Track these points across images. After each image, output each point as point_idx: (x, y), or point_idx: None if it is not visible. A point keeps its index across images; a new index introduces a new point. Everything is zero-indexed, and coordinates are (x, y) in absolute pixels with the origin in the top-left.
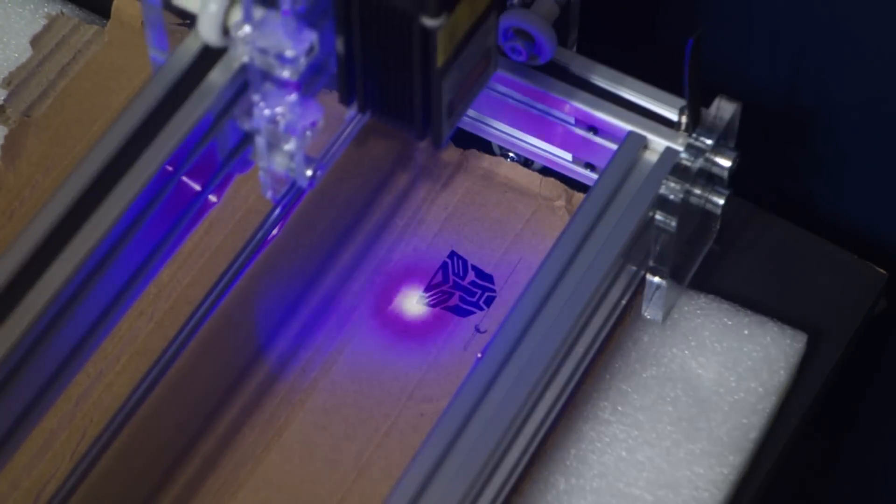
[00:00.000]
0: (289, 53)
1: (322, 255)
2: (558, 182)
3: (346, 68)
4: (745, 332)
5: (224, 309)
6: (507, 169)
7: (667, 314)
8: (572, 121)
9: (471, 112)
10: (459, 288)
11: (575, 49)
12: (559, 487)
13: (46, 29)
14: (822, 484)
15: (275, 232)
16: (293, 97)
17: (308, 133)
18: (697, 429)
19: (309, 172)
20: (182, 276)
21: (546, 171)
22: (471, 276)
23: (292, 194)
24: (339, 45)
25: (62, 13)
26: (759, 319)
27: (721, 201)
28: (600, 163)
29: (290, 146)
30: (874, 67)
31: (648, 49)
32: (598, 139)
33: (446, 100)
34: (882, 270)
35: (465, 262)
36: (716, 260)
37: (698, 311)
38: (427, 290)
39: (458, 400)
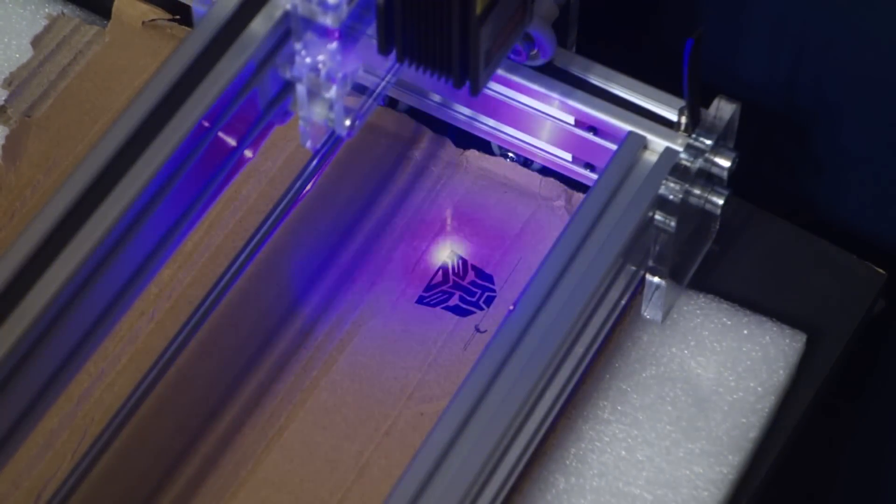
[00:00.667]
0: (331, 0)
1: (322, 255)
2: (558, 182)
3: (385, 17)
4: (745, 331)
5: (225, 309)
6: (507, 169)
7: (666, 314)
8: (572, 121)
9: (471, 112)
10: (459, 288)
11: (574, 49)
12: (559, 486)
13: (47, 29)
14: (821, 483)
15: (275, 232)
16: (334, 45)
17: (348, 81)
18: (697, 428)
19: (348, 122)
20: (183, 275)
21: (546, 172)
22: (471, 276)
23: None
24: None
25: (63, 14)
26: (758, 319)
27: (720, 201)
28: (600, 163)
29: (330, 94)
30: (873, 68)
31: (648, 49)
32: (597, 139)
33: (484, 48)
34: (881, 270)
35: (465, 262)
36: (715, 260)
37: (698, 311)
38: (427, 290)
39: (458, 399)
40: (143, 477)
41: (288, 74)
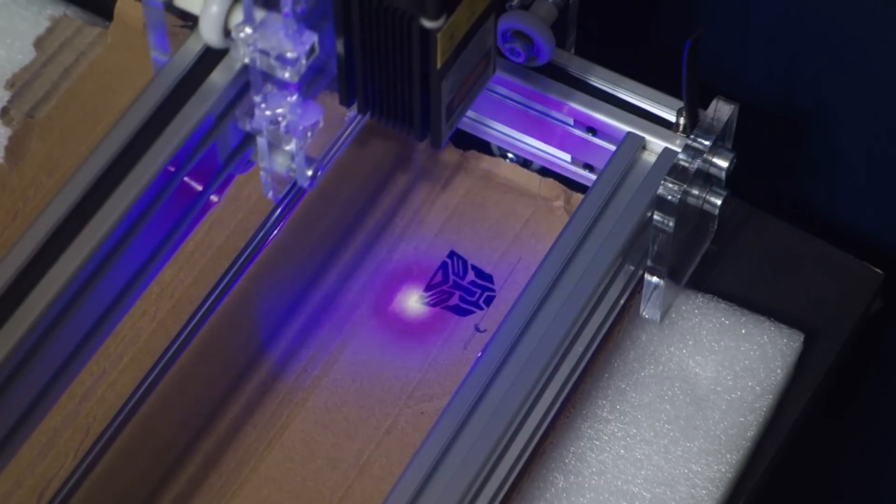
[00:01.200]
0: (290, 55)
1: (323, 255)
2: (557, 183)
3: (346, 69)
4: (743, 331)
5: (226, 308)
6: (507, 170)
7: (665, 313)
8: (571, 122)
9: (470, 113)
10: (459, 288)
11: (573, 51)
12: (558, 485)
13: (50, 31)
14: (819, 482)
15: (276, 232)
16: (294, 98)
17: (309, 134)
18: (695, 427)
19: (310, 172)
20: (184, 275)
21: (545, 172)
22: (470, 275)
23: (293, 195)
24: (340, 46)
25: (66, 15)
26: (756, 319)
27: (718, 202)
28: (599, 163)
29: (291, 147)
30: (869, 69)
31: (647, 51)
32: (596, 140)
33: (445, 101)
34: (878, 270)
35: (464, 262)
36: (713, 260)
37: (696, 311)
38: (427, 289)
39: (458, 399)
40: (145, 475)
41: (248, 127)
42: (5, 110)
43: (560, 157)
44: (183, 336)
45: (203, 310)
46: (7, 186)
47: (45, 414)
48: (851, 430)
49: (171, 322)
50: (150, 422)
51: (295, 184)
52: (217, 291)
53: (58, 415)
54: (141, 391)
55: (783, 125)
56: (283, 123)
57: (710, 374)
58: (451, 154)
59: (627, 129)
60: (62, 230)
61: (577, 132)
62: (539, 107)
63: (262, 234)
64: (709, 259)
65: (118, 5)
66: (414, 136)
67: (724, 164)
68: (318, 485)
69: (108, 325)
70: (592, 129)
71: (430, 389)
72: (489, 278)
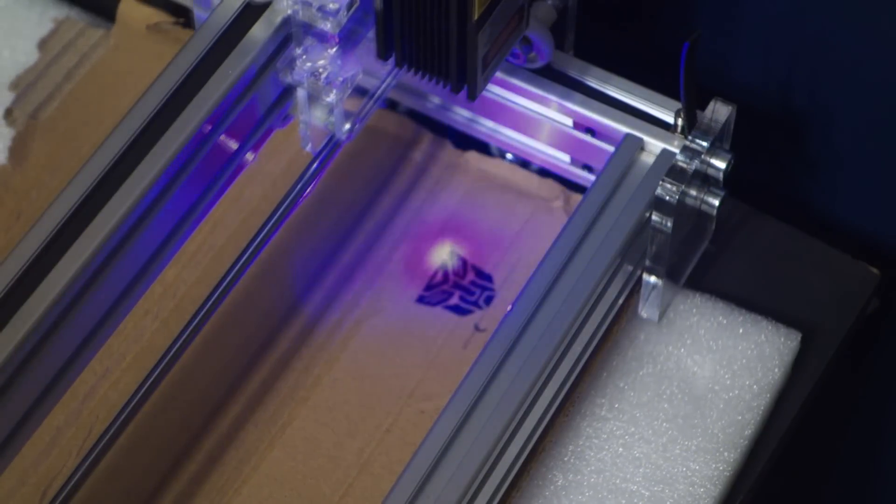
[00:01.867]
0: (331, 6)
1: (323, 256)
2: (556, 183)
3: (383, 23)
4: (740, 330)
5: (227, 307)
6: (506, 170)
7: (663, 313)
8: (570, 123)
9: (470, 114)
10: (459, 287)
11: (572, 52)
12: (557, 483)
13: (53, 33)
14: (816, 480)
15: (277, 232)
16: (334, 50)
17: (348, 86)
18: (693, 425)
19: (347, 126)
20: (187, 275)
21: (544, 173)
22: (470, 275)
23: (325, 154)
24: (378, 0)
25: (69, 17)
26: (753, 318)
27: (716, 202)
28: (597, 164)
29: (330, 98)
30: (866, 70)
31: (645, 52)
32: (595, 141)
33: (481, 53)
34: (875, 270)
35: (464, 261)
36: (711, 260)
37: (694, 310)
38: (427, 289)
39: (458, 397)
40: (148, 473)
41: (288, 79)
42: (9, 111)
43: (559, 158)
44: (185, 335)
45: (205, 309)
46: (10, 187)
47: (47, 412)
48: (848, 428)
49: (173, 321)
50: (153, 420)
51: (332, 137)
52: (219, 291)
53: (61, 413)
54: (143, 390)
55: (780, 126)
56: (324, 75)
57: (707, 374)
58: (451, 154)
59: (626, 130)
60: (64, 231)
61: (576, 133)
62: (538, 108)
63: (263, 234)
64: (707, 259)
65: (121, 7)
66: (451, 88)
67: (721, 164)
68: (319, 483)
69: (109, 325)
70: (591, 131)
71: (430, 389)
72: (489, 278)
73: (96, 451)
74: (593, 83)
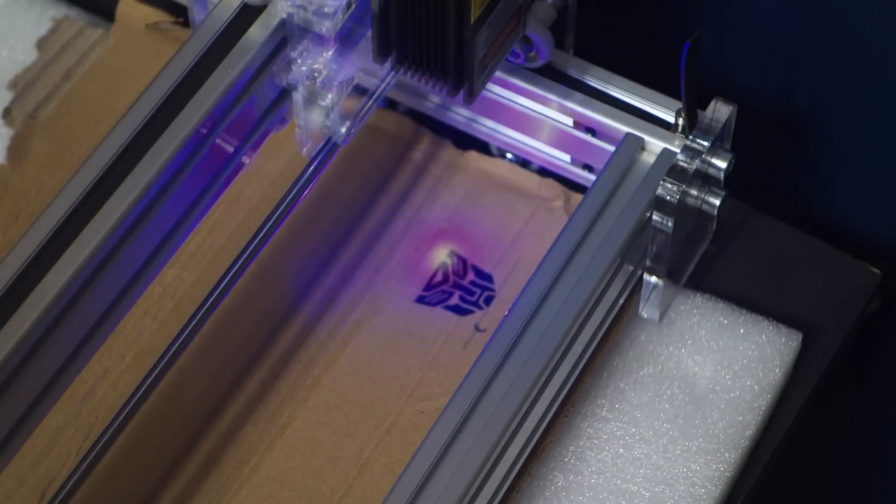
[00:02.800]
0: (327, 8)
1: (323, 255)
2: (557, 183)
3: (380, 24)
4: (741, 330)
5: (227, 308)
6: (507, 170)
7: (663, 313)
8: (570, 123)
9: (470, 114)
10: (459, 287)
11: (572, 52)
12: (558, 484)
13: (52, 32)
14: (817, 480)
15: (277, 231)
16: (331, 53)
17: (345, 89)
18: (694, 426)
19: (344, 128)
20: (186, 275)
21: (545, 173)
22: (470, 275)
23: (323, 156)
24: (375, 1)
25: (68, 17)
26: (754, 318)
27: (717, 202)
28: (598, 164)
29: (326, 101)
30: (867, 69)
31: (645, 52)
32: (595, 141)
33: (479, 55)
34: (875, 270)
35: (464, 261)
36: (712, 260)
37: (694, 311)
38: (427, 289)
39: (458, 398)
40: (147, 474)
41: (284, 82)
42: (7, 111)
43: (559, 158)
44: (184, 335)
45: (204, 309)
46: (9, 187)
47: (46, 412)
48: (849, 429)
49: (172, 322)
50: (152, 421)
51: (329, 140)
52: (218, 291)
53: (60, 414)
54: (142, 390)
55: (781, 126)
56: (320, 78)
57: (708, 374)
58: (451, 154)
59: (626, 129)
60: (62, 231)
61: (577, 133)
62: (539, 108)
63: (262, 234)
64: (707, 259)
65: (120, 7)
66: (448, 90)
67: (722, 164)
68: (318, 483)
69: (108, 325)
70: (592, 130)
71: (430, 389)
72: (489, 278)
73: (95, 452)
74: (594, 82)
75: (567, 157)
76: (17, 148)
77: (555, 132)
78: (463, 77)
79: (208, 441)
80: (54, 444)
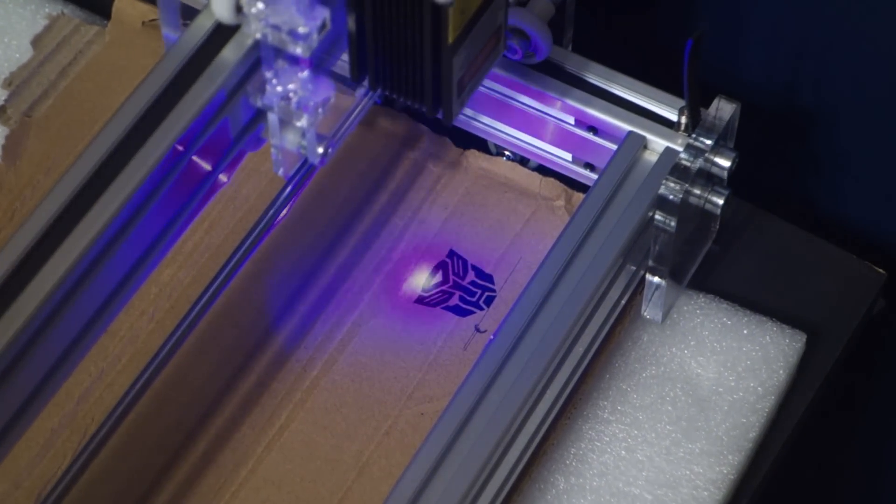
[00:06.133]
0: (302, 29)
1: (322, 255)
2: (558, 182)
3: (357, 45)
4: (745, 331)
5: (224, 308)
6: (507, 169)
7: (666, 314)
8: (572, 121)
9: (470, 112)
10: (459, 288)
11: (570, 48)
12: (559, 486)
13: (47, 29)
14: (821, 482)
15: (273, 230)
16: (305, 74)
17: (320, 110)
18: (697, 428)
19: (320, 150)
20: (183, 275)
21: (546, 171)
22: (471, 275)
23: (300, 177)
24: (351, 21)
25: (63, 14)
26: (758, 319)
27: (720, 201)
28: (600, 163)
29: (302, 123)
30: (872, 68)
31: (648, 49)
32: (597, 139)
33: (457, 77)
34: (881, 270)
35: (465, 261)
36: (715, 260)
37: (698, 311)
38: (426, 290)
39: (458, 399)
40: (143, 476)
41: (259, 103)
42: (2, 109)
43: (561, 157)
44: (178, 334)
45: (198, 308)
46: (4, 185)
47: (38, 412)
48: (854, 430)
49: (169, 322)
50: (148, 421)
51: (305, 161)
52: (212, 289)
53: (55, 416)
54: (135, 390)
55: (785, 124)
56: (295, 99)
57: (711, 375)
58: (450, 153)
59: (629, 128)
60: (70, 208)
61: (578, 131)
62: (540, 105)
63: (257, 232)
64: (710, 259)
65: (116, 3)
66: (425, 112)
67: (725, 163)
68: (317, 486)
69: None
70: (593, 128)
71: (429, 390)
72: (489, 278)
73: (87, 452)
74: (596, 80)
75: (568, 156)
76: (11, 146)
77: (556, 130)
78: (441, 98)
79: (205, 443)
80: (50, 446)
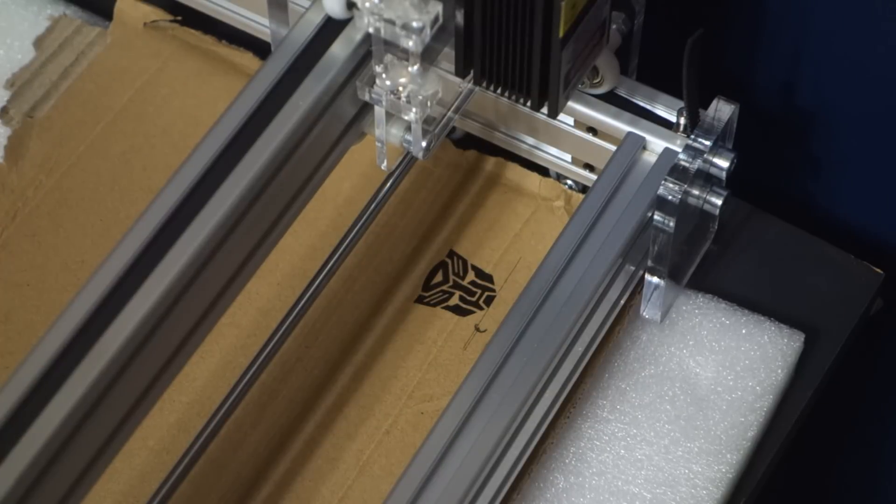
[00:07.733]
0: (415, 23)
1: (321, 255)
2: (557, 182)
3: (464, 39)
4: (743, 331)
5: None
6: (507, 169)
7: (665, 314)
8: (571, 122)
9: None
10: (459, 288)
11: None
12: (558, 485)
13: (50, 30)
14: (819, 481)
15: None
16: (416, 67)
17: (429, 103)
18: (695, 427)
19: (424, 143)
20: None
21: (545, 172)
22: (471, 275)
23: (400, 171)
24: (459, 16)
25: (65, 15)
26: (756, 319)
27: (719, 202)
28: (599, 163)
29: (409, 116)
30: (870, 68)
31: (647, 50)
32: (596, 140)
33: (564, 71)
34: (878, 270)
35: (465, 261)
36: (714, 260)
37: (696, 311)
38: (427, 289)
39: (458, 398)
40: (143, 476)
41: (367, 97)
42: (5, 110)
43: (560, 158)
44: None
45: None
46: (6, 186)
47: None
48: (852, 430)
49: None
50: (149, 422)
51: (407, 154)
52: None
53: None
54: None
55: (784, 125)
56: (404, 93)
57: (710, 375)
58: (451, 154)
59: (628, 129)
60: (185, 203)
61: (578, 132)
62: None
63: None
64: (709, 259)
65: (118, 5)
66: (531, 105)
67: (724, 164)
68: (317, 485)
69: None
70: (593, 129)
71: (430, 389)
72: (489, 278)
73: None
74: None
75: (568, 157)
76: (14, 147)
77: (556, 131)
78: (547, 92)
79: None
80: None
